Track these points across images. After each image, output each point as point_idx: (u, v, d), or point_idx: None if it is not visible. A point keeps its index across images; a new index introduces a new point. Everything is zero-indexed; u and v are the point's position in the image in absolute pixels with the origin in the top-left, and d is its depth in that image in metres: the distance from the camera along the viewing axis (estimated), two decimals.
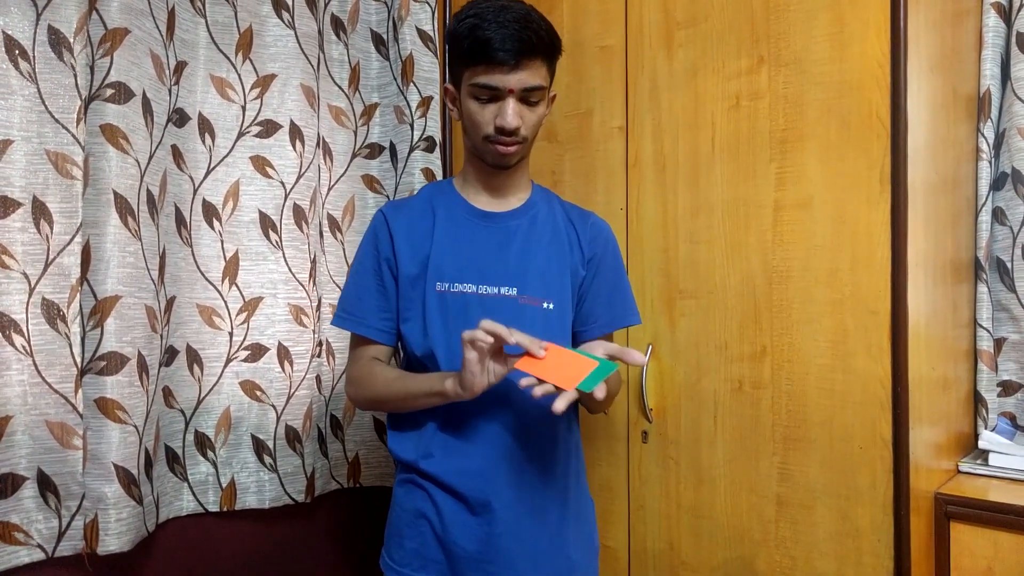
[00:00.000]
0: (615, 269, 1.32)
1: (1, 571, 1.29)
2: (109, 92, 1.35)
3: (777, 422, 1.35)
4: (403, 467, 1.25)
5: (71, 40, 1.35)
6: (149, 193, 1.42)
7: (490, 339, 1.02)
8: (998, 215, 1.60)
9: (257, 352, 1.62)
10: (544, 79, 1.16)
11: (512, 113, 1.13)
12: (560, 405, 0.98)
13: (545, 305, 1.22)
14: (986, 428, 1.58)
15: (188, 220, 1.56)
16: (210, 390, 1.58)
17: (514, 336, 1.02)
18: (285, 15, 1.65)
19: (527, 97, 1.15)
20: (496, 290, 1.20)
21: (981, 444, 1.49)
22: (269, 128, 1.63)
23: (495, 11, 1.11)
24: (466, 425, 1.18)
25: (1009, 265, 1.58)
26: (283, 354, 1.64)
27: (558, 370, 1.02)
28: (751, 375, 1.38)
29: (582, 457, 1.31)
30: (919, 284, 1.28)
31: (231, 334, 1.60)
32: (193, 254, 1.57)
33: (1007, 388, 1.61)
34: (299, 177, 1.66)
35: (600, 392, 1.00)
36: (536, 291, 1.21)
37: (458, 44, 1.15)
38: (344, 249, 1.82)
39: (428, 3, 1.85)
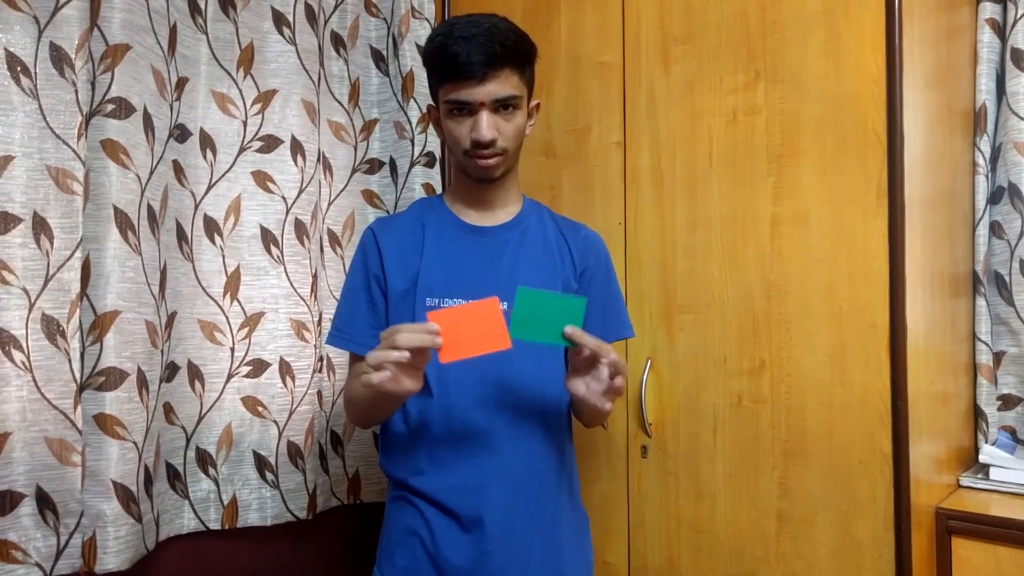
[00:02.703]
0: (608, 282, 1.32)
1: None
2: (110, 107, 1.35)
3: (776, 436, 1.35)
4: (394, 484, 1.25)
5: (72, 56, 1.36)
6: (150, 208, 1.42)
7: (406, 355, 0.98)
8: (995, 229, 1.60)
9: (259, 368, 1.62)
10: (517, 88, 1.16)
11: (486, 126, 1.13)
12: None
13: None
14: (986, 442, 1.58)
15: (189, 235, 1.56)
16: (211, 406, 1.58)
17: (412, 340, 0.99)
18: (286, 31, 1.66)
19: (502, 106, 1.15)
20: None
21: (982, 458, 1.49)
22: (270, 143, 1.64)
23: (463, 26, 1.12)
24: (457, 442, 1.17)
25: (1007, 279, 1.59)
26: (285, 369, 1.64)
27: (476, 335, 0.99)
28: (750, 389, 1.38)
29: (576, 472, 1.31)
30: (917, 298, 1.29)
31: (232, 349, 1.60)
32: (194, 269, 1.57)
33: (1007, 402, 1.61)
34: (300, 192, 1.66)
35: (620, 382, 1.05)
36: None
37: (431, 63, 1.16)
38: (344, 264, 1.82)
39: (428, 20, 1.86)
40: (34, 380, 1.32)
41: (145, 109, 1.41)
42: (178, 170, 1.54)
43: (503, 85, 1.13)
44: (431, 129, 1.84)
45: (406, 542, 1.19)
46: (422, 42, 1.85)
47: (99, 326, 1.34)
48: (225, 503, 1.58)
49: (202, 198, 1.59)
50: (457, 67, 1.11)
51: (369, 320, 1.25)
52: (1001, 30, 1.60)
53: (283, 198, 1.65)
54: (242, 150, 1.62)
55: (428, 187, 1.84)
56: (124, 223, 1.36)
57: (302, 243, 1.67)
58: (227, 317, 1.60)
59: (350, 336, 1.26)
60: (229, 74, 1.62)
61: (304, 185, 1.67)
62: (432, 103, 1.23)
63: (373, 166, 1.89)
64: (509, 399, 1.18)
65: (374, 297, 1.25)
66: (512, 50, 1.14)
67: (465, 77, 1.11)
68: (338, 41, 1.82)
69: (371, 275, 1.25)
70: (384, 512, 1.28)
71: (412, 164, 1.84)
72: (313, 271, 1.69)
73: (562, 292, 1.10)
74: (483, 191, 1.24)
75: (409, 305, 1.21)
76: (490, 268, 1.22)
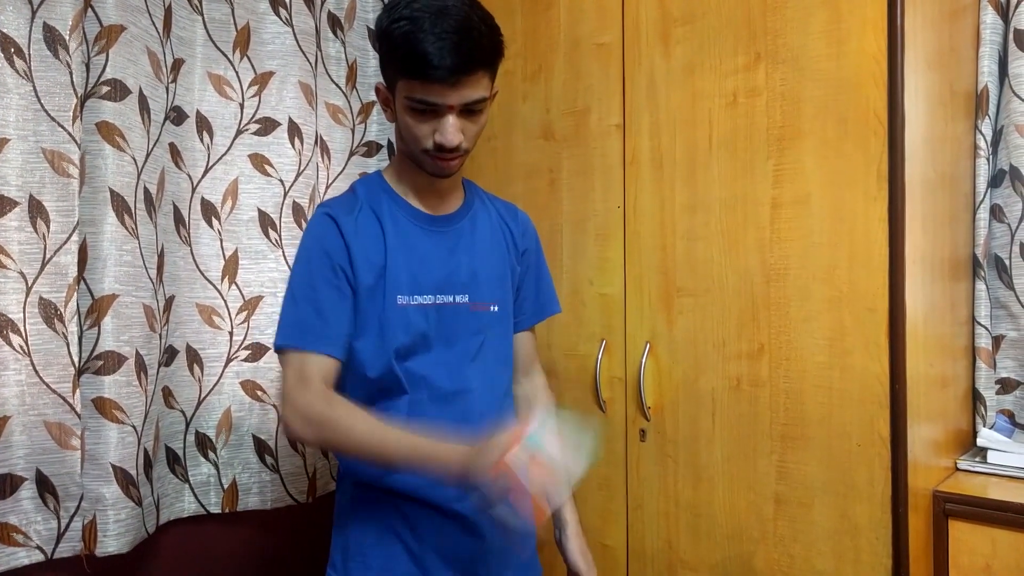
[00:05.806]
0: (540, 262, 1.35)
1: (0, 572, 1.29)
2: (105, 89, 1.34)
3: (775, 420, 1.35)
4: (357, 485, 1.18)
5: (66, 37, 1.34)
6: (146, 191, 1.41)
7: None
8: (996, 212, 1.60)
9: (257, 352, 1.62)
10: (487, 89, 1.08)
11: (453, 131, 1.06)
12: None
13: (492, 308, 1.21)
14: (984, 426, 1.58)
15: (187, 219, 1.56)
16: (211, 390, 1.58)
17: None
18: (283, 12, 1.65)
19: (469, 108, 1.07)
20: (451, 299, 1.17)
21: (979, 442, 1.49)
22: (267, 126, 1.63)
23: (432, 17, 1.01)
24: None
25: (1007, 262, 1.58)
26: None
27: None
28: (749, 373, 1.38)
29: None
30: (917, 281, 1.28)
31: (231, 333, 1.60)
32: (192, 253, 1.57)
33: (1005, 386, 1.61)
34: (298, 175, 1.66)
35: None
36: (484, 296, 1.20)
37: (392, 50, 1.05)
38: None
39: None
40: (32, 364, 1.32)
41: (140, 91, 1.40)
42: (175, 153, 1.53)
43: (474, 89, 1.05)
44: None
45: (382, 542, 1.15)
46: None
47: (97, 310, 1.34)
48: (225, 487, 1.59)
49: (199, 181, 1.58)
50: (427, 68, 1.01)
51: (339, 316, 1.12)
52: (1004, 11, 1.59)
53: (281, 181, 1.64)
54: (239, 133, 1.61)
55: None
56: (120, 206, 1.35)
57: (300, 226, 1.66)
58: (225, 301, 1.60)
59: (323, 336, 1.10)
60: (225, 56, 1.60)
61: (302, 168, 1.66)
62: (383, 84, 1.13)
63: (371, 149, 1.88)
64: (476, 389, 1.18)
65: (343, 291, 1.12)
66: (487, 51, 1.05)
67: (436, 80, 1.01)
68: (335, 22, 1.81)
69: (337, 266, 1.12)
70: (340, 516, 1.20)
71: None
72: None
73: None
74: (435, 182, 1.18)
75: (378, 304, 1.13)
76: (450, 261, 1.18)
